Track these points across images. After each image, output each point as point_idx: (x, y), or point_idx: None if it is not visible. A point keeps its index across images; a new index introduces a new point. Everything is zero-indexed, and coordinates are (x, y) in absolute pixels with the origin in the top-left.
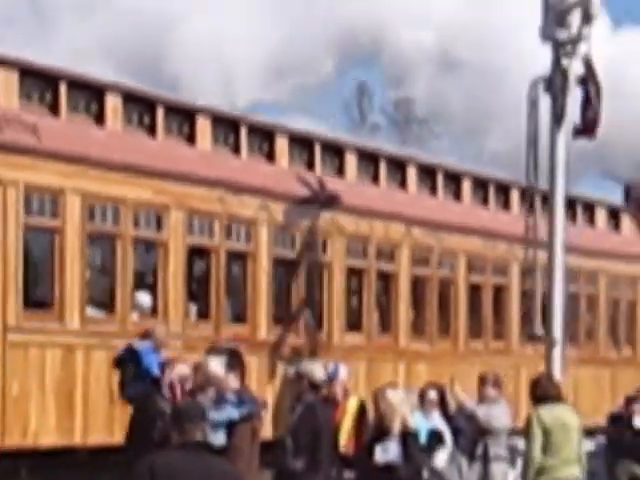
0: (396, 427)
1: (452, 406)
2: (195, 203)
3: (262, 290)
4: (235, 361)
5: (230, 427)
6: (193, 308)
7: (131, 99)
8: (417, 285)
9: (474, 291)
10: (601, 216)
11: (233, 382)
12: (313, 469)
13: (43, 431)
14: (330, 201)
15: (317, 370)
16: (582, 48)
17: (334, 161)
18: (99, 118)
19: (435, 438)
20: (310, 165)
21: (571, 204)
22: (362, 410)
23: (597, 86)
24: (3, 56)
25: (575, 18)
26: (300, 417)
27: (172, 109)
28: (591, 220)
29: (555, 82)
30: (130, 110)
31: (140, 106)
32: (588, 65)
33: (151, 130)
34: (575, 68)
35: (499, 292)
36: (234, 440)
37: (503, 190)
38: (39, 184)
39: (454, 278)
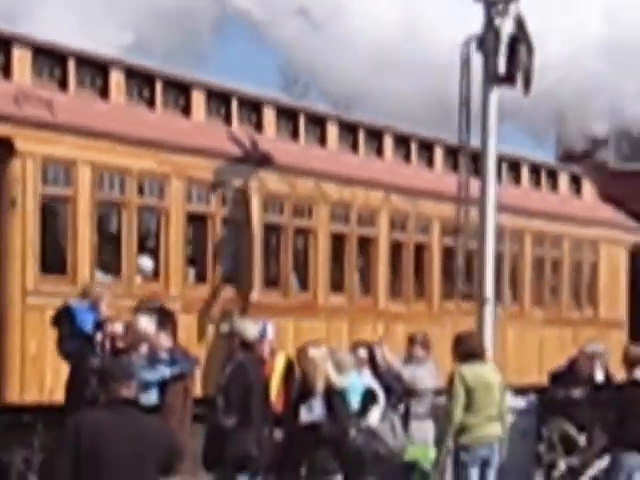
0: (320, 386)
1: (382, 365)
2: (193, 173)
3: (254, 254)
4: (166, 320)
5: (163, 386)
6: (191, 271)
7: (133, 74)
8: (395, 249)
9: (448, 254)
10: (564, 181)
11: (165, 341)
12: (245, 426)
13: (58, 389)
14: (314, 170)
15: (249, 328)
16: (514, 7)
17: (316, 131)
18: (104, 93)
19: (370, 397)
20: (295, 135)
21: (536, 171)
22: (289, 368)
23: (529, 44)
24: (16, 35)
25: None
26: (231, 375)
27: (169, 83)
28: (554, 186)
29: (487, 41)
30: (131, 85)
31: (140, 80)
32: (520, 24)
33: (151, 103)
34: (507, 27)
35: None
36: (167, 398)
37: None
38: (55, 156)
39: (428, 242)
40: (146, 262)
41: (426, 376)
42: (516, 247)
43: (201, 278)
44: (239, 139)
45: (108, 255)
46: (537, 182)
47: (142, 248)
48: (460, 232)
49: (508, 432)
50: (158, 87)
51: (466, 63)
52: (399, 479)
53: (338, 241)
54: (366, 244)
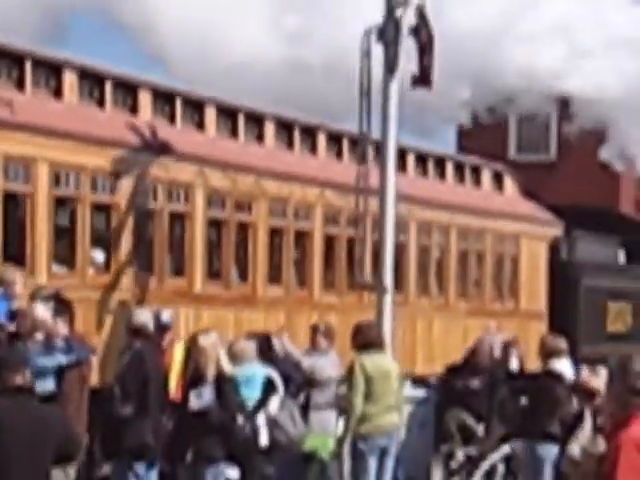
0: (210, 373)
1: (280, 354)
2: (141, 169)
3: (197, 248)
4: (63, 307)
5: (60, 373)
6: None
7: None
8: (328, 242)
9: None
10: (486, 177)
11: (62, 328)
12: (141, 415)
13: None
14: (253, 167)
15: (138, 315)
16: None
17: (254, 129)
18: (57, 92)
19: (270, 386)
20: (234, 133)
21: (461, 167)
22: (188, 356)
23: (430, 36)
24: None
25: None
26: (128, 364)
27: (119, 84)
28: (477, 182)
29: (388, 32)
30: (83, 85)
31: (91, 81)
32: (421, 15)
33: (100, 103)
34: (408, 18)
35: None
36: (63, 386)
37: None
38: (16, 154)
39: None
40: (98, 255)
41: (327, 366)
42: (443, 241)
43: (148, 270)
44: (182, 137)
45: (64, 248)
46: (461, 178)
47: (95, 242)
48: (360, 222)
49: (406, 421)
50: (108, 87)
51: (366, 54)
52: (298, 469)
53: (276, 235)
54: (302, 238)
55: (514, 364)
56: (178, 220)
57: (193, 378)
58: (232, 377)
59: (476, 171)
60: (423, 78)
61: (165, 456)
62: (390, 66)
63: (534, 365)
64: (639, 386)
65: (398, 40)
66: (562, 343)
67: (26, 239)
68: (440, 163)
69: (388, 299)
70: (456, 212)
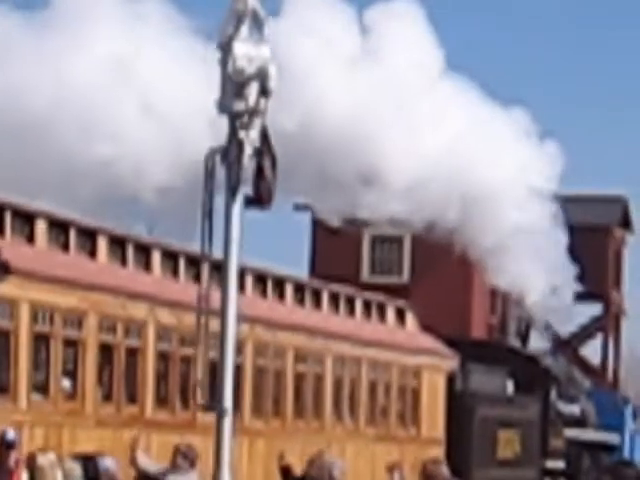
0: None
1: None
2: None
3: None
4: None
5: None
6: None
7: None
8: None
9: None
10: (391, 313)
11: None
12: None
13: None
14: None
15: None
16: (258, 120)
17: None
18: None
19: None
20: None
21: (368, 304)
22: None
23: (272, 157)
24: None
25: (252, 91)
26: None
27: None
28: (383, 317)
29: (231, 153)
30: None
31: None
32: (264, 137)
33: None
34: (251, 139)
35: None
36: None
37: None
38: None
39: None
40: (66, 383)
41: None
42: (354, 372)
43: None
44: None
45: (41, 379)
46: (368, 314)
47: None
48: (200, 342)
49: None
50: (72, 234)
51: (210, 174)
52: None
53: (107, 351)
54: (134, 354)
55: None
56: None
57: None
58: None
59: (381, 307)
60: (258, 199)
61: None
62: (233, 187)
63: None
64: None
65: (241, 161)
66: (443, 469)
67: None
68: (350, 300)
69: (227, 421)
70: (367, 346)
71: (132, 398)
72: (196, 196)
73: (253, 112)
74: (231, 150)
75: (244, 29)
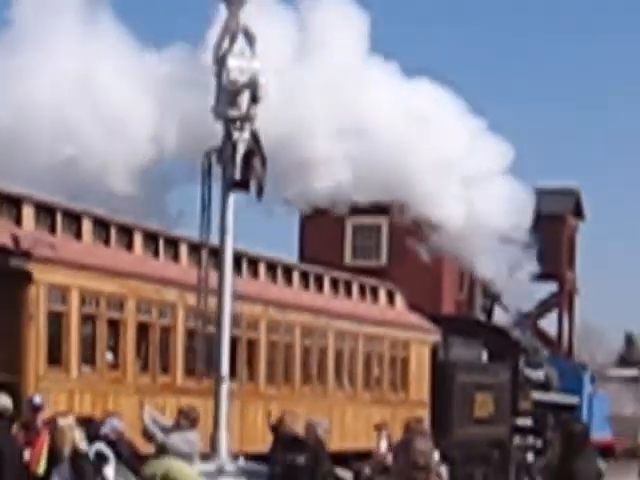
0: (67, 451)
1: (111, 435)
2: None
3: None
4: None
5: None
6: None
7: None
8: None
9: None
10: (382, 294)
11: None
12: None
13: None
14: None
15: (2, 400)
16: (250, 125)
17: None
18: (77, 235)
19: (100, 457)
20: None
21: (362, 287)
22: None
23: (262, 157)
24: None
25: (244, 99)
26: None
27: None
28: (376, 297)
29: (226, 153)
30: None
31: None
32: (255, 139)
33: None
34: (244, 142)
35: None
36: None
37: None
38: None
39: (174, 324)
40: (109, 356)
41: (180, 442)
42: (352, 345)
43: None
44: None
45: (88, 352)
46: (363, 296)
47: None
48: (200, 318)
49: None
50: (112, 231)
51: (207, 172)
52: None
53: (144, 329)
54: (166, 332)
55: (384, 444)
56: None
57: (53, 456)
58: (86, 453)
59: (374, 290)
60: (242, 184)
61: None
62: (227, 183)
63: None
64: (420, 462)
65: (235, 161)
66: (424, 426)
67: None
68: (348, 285)
69: (224, 387)
70: (363, 323)
71: (165, 369)
72: (150, 196)
73: (245, 118)
74: (225, 151)
75: (236, 45)
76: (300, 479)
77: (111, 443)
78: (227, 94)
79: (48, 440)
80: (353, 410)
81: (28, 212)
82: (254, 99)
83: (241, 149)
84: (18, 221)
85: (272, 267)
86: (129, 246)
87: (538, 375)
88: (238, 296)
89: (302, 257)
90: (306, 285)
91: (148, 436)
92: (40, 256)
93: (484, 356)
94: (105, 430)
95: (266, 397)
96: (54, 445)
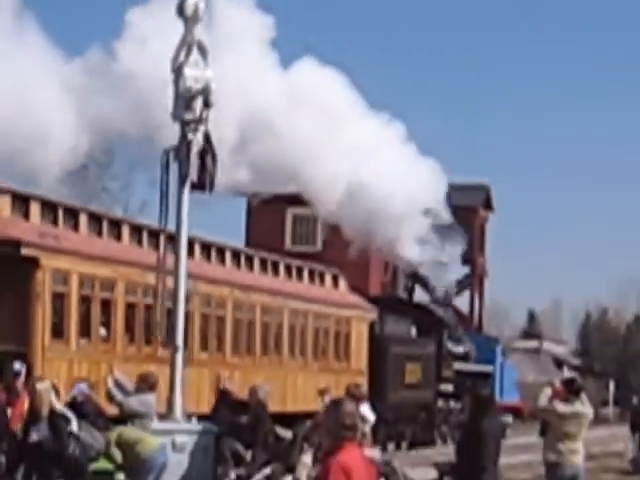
0: (45, 411)
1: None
2: None
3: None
4: None
5: None
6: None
7: None
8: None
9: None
10: (328, 278)
11: None
12: None
13: None
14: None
15: None
16: (203, 127)
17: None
18: (75, 228)
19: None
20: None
21: (321, 274)
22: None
23: (213, 156)
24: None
25: (198, 103)
26: None
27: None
28: (322, 280)
29: (181, 152)
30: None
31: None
32: (207, 140)
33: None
34: (197, 141)
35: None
36: None
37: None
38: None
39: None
40: (102, 330)
41: (136, 403)
42: (303, 322)
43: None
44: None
45: (85, 327)
46: (312, 279)
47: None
48: (158, 295)
49: (192, 449)
50: (104, 224)
51: (165, 168)
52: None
53: (131, 308)
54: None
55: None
56: None
57: (31, 415)
58: (62, 413)
59: (321, 275)
60: (201, 186)
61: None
62: (182, 178)
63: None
64: (348, 422)
65: (189, 158)
66: (362, 390)
67: None
68: (299, 270)
69: (179, 355)
70: (312, 302)
71: (148, 341)
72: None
73: (199, 120)
74: (181, 149)
75: (191, 56)
76: (243, 437)
77: (79, 404)
78: (183, 100)
79: (27, 401)
80: (304, 377)
81: (35, 209)
82: (207, 104)
83: (194, 148)
84: (26, 216)
85: (236, 255)
86: (118, 237)
87: (459, 348)
88: (206, 278)
89: (248, 243)
90: (264, 270)
91: (110, 398)
92: (46, 246)
93: (413, 331)
94: (74, 393)
95: (232, 365)
96: (33, 406)
